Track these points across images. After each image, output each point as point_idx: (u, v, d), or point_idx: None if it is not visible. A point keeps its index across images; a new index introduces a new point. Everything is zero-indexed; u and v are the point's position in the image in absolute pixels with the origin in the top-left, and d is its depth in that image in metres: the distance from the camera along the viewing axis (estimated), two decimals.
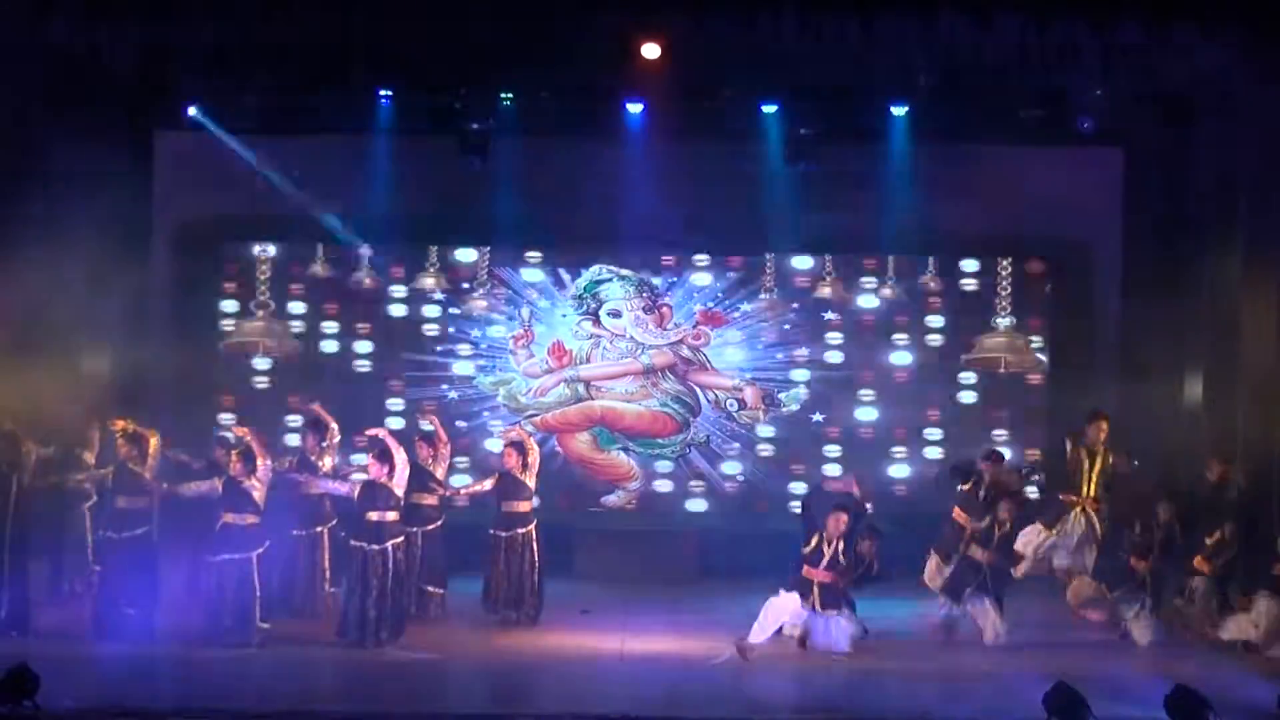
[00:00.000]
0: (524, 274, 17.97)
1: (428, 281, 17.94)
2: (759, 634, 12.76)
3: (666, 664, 12.34)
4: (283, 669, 11.77)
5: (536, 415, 17.80)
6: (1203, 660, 12.34)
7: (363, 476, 13.08)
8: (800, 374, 17.90)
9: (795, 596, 12.94)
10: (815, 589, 12.94)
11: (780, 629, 12.98)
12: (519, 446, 14.15)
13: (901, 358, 17.95)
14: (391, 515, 12.82)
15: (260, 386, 17.87)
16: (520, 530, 13.90)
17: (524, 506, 14.01)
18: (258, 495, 12.69)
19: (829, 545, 13.05)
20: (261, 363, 17.89)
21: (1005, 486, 14.15)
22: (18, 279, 14.99)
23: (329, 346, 17.93)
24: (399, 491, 12.89)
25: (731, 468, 17.80)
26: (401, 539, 12.94)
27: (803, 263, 18.01)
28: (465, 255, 17.97)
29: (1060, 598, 14.57)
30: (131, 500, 12.94)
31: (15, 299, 15.03)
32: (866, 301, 18.01)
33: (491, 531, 14.03)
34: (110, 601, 12.72)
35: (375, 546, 12.69)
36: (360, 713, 10.53)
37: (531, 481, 14.07)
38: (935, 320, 17.97)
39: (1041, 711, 9.72)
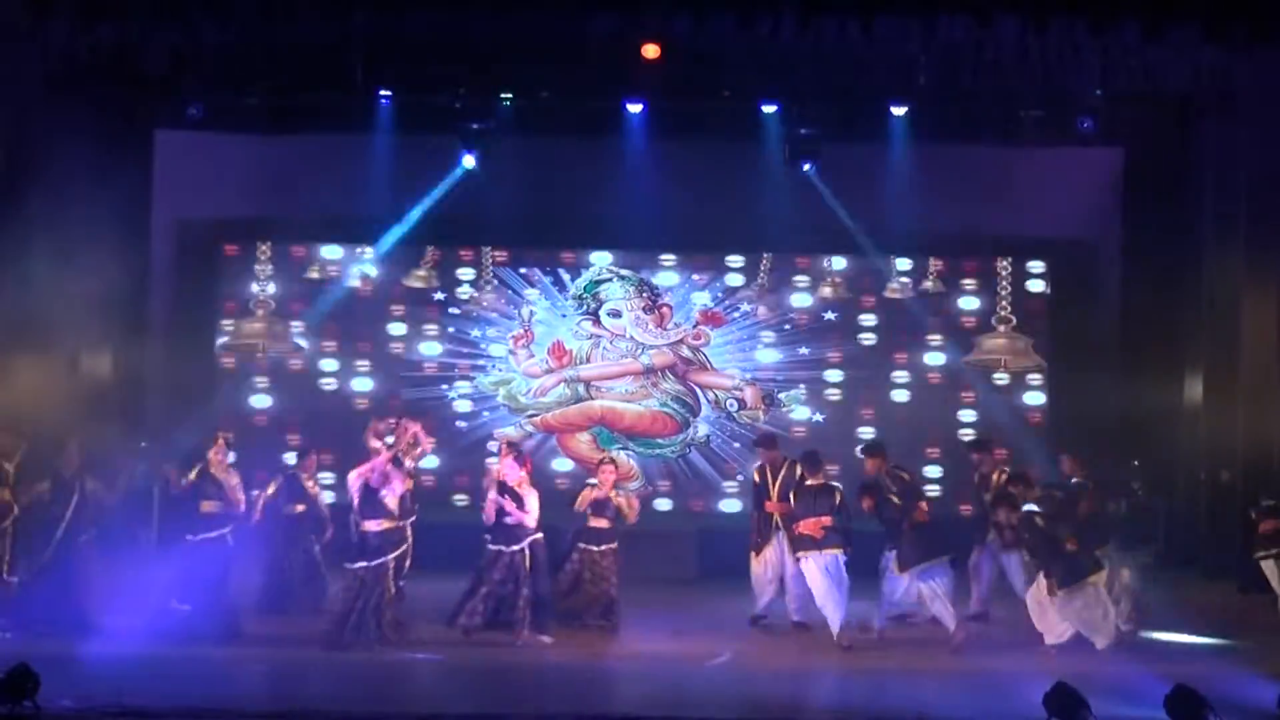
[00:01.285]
0: (524, 274, 17.97)
1: (428, 281, 17.93)
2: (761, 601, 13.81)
3: (666, 664, 12.33)
4: (283, 669, 11.76)
5: (536, 415, 17.80)
6: (1203, 660, 12.33)
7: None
8: (799, 373, 17.92)
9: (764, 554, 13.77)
10: (779, 526, 13.56)
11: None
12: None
13: (902, 357, 17.95)
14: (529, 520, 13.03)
15: (261, 386, 17.86)
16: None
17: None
18: (391, 502, 12.68)
19: (771, 477, 13.69)
20: (262, 362, 17.89)
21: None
22: (18, 279, 15.01)
23: (328, 347, 17.93)
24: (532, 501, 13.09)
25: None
26: (540, 536, 13.05)
27: (803, 263, 18.02)
28: (466, 255, 17.97)
29: None
30: (215, 505, 13.15)
31: (15, 299, 15.04)
32: (866, 301, 18.01)
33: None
34: (168, 598, 12.81)
35: (516, 547, 12.91)
36: (360, 713, 10.51)
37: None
38: (936, 320, 17.98)
39: (1041, 711, 9.71)
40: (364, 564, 12.50)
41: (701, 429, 17.87)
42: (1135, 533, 17.17)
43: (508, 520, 12.94)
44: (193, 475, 13.37)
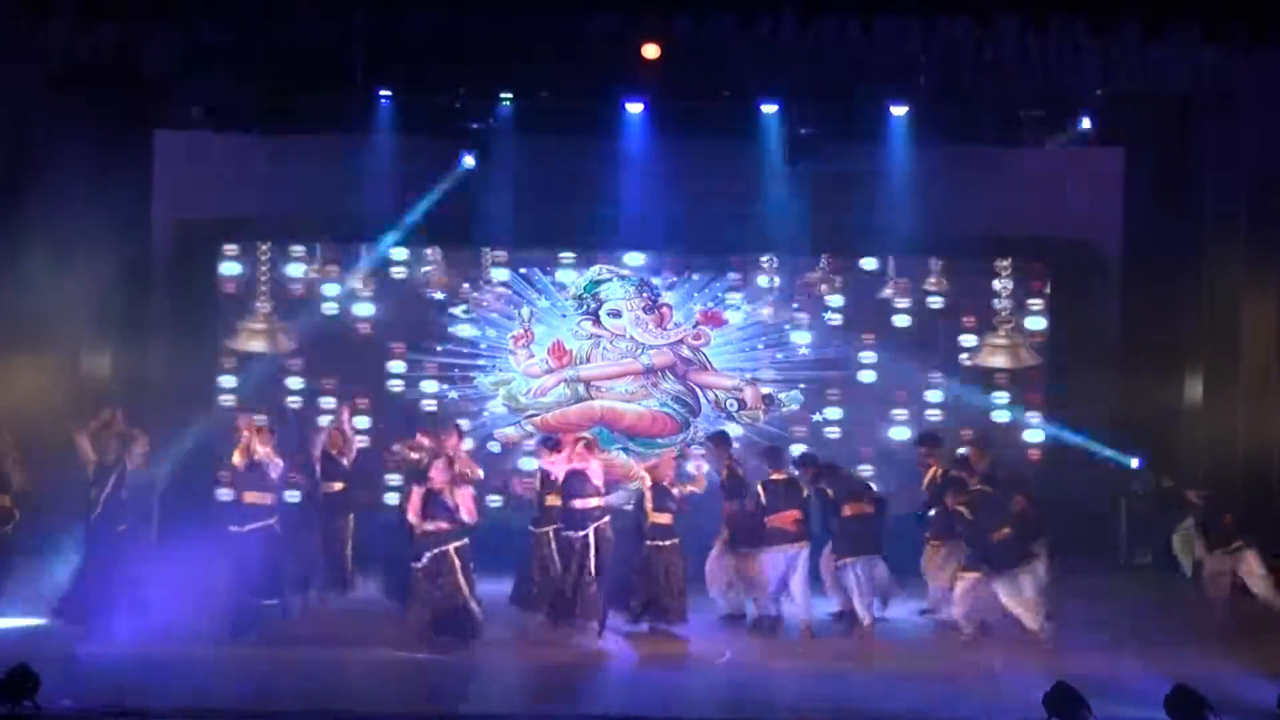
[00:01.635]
0: (524, 274, 17.96)
1: (427, 281, 17.93)
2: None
3: (666, 664, 12.33)
4: (283, 669, 11.76)
5: (536, 415, 17.80)
6: (1203, 660, 12.34)
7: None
8: (799, 373, 17.92)
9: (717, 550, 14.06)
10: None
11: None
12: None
13: (901, 357, 17.94)
14: (594, 501, 13.07)
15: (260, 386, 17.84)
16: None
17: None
18: (457, 507, 12.81)
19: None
20: (261, 362, 17.88)
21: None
22: (18, 279, 15.01)
23: (328, 346, 17.91)
24: (598, 480, 13.17)
25: None
26: (605, 520, 13.14)
27: (803, 263, 18.01)
28: (466, 255, 17.98)
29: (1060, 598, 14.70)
30: (259, 495, 13.14)
31: (15, 299, 15.04)
32: (867, 302, 18.01)
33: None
34: (246, 595, 12.89)
35: (580, 533, 12.96)
36: (360, 713, 10.53)
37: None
38: (934, 320, 17.97)
39: (1041, 711, 9.72)
40: (429, 555, 12.66)
41: (701, 429, 17.85)
42: (1135, 533, 17.29)
43: (574, 505, 12.98)
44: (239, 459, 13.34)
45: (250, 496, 13.16)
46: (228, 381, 17.74)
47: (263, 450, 13.22)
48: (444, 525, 12.74)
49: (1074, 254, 17.93)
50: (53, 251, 15.27)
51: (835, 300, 17.98)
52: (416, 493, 12.81)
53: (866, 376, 17.94)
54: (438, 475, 12.85)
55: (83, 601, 12.84)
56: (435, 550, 12.68)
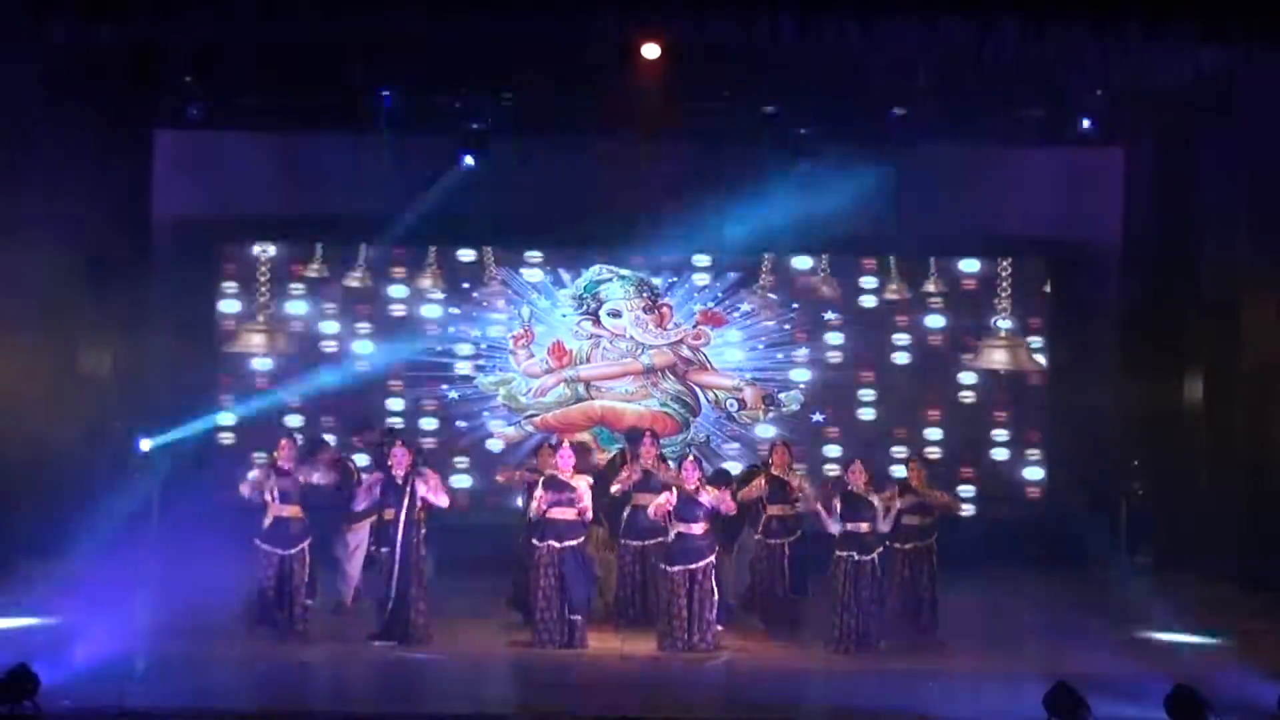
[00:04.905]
0: (524, 274, 17.97)
1: (428, 281, 17.95)
2: None
3: (666, 664, 12.33)
4: (283, 669, 11.76)
5: (536, 415, 17.81)
6: (1203, 660, 12.35)
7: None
8: (800, 374, 17.93)
9: None
10: None
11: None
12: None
13: (901, 358, 17.96)
14: (698, 529, 12.65)
15: (260, 386, 17.84)
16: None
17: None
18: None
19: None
20: (262, 363, 17.87)
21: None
22: (17, 278, 15.01)
23: (329, 347, 17.93)
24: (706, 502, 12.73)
25: None
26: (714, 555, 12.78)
27: (803, 263, 18.03)
28: (466, 255, 17.99)
29: (1060, 598, 14.71)
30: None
31: (15, 298, 15.04)
32: (866, 302, 18.03)
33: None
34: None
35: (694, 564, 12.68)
36: (360, 713, 10.52)
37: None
38: (935, 321, 17.98)
39: (1041, 711, 9.73)
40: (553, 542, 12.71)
41: (701, 429, 17.87)
42: (1135, 532, 17.29)
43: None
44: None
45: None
46: (227, 381, 17.75)
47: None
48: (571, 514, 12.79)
49: (1074, 254, 17.93)
50: (52, 251, 15.27)
51: (834, 300, 17.98)
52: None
53: (866, 376, 17.94)
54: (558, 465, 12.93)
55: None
56: (570, 542, 12.74)
